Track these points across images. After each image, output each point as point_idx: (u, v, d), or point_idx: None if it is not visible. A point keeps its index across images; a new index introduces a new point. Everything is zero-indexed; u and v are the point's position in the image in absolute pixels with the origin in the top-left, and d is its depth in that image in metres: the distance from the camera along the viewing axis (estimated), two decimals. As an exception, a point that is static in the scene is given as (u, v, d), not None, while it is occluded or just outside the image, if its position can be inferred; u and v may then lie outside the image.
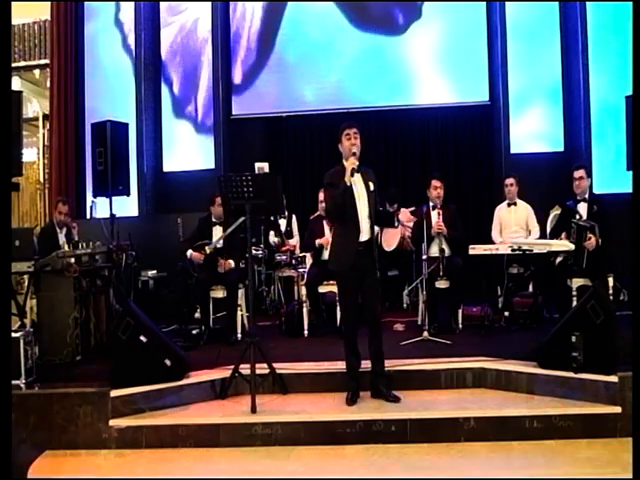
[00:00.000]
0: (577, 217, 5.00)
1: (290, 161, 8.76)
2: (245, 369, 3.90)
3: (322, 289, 5.39)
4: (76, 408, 3.71)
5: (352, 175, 3.72)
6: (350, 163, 3.75)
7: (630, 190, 4.41)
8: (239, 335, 5.26)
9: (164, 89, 8.43)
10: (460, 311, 5.31)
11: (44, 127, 9.81)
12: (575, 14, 7.44)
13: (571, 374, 3.75)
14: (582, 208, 5.11)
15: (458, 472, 3.20)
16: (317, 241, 5.49)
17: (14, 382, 3.83)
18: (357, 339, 3.90)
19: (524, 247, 4.96)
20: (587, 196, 5.15)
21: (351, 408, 3.76)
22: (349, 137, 3.86)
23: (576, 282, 5.00)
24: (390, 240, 4.46)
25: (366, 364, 3.95)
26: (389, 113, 8.47)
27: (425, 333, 4.84)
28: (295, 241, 6.71)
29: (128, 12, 8.08)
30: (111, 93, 8.08)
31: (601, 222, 4.91)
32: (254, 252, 6.02)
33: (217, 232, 5.45)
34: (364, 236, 3.81)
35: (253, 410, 3.71)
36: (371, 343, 3.88)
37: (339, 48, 8.41)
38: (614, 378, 3.62)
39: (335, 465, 3.33)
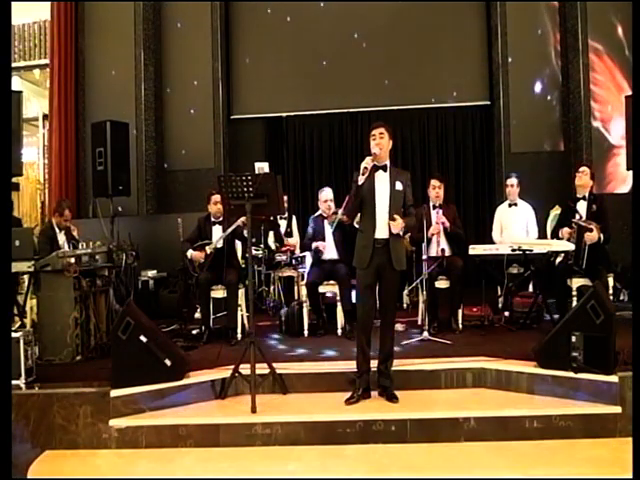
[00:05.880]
0: (577, 217, 5.00)
1: (290, 161, 8.77)
2: (245, 369, 3.90)
3: (322, 289, 5.39)
4: (76, 408, 3.70)
5: (363, 174, 3.74)
6: (364, 163, 3.77)
7: (630, 190, 4.42)
8: (239, 335, 5.26)
9: (164, 89, 8.43)
10: (460, 311, 5.30)
11: (44, 127, 9.81)
12: (575, 14, 7.45)
13: (571, 374, 3.74)
14: (582, 206, 5.11)
15: (458, 472, 3.20)
16: (314, 244, 5.48)
17: (14, 382, 3.83)
18: (370, 339, 3.88)
19: (524, 247, 4.96)
20: (587, 195, 5.15)
21: (351, 408, 3.75)
22: (374, 138, 3.88)
23: (576, 282, 4.99)
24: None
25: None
26: (389, 113, 8.48)
27: (425, 333, 4.84)
28: (295, 241, 6.72)
29: (128, 12, 8.07)
30: (111, 93, 8.09)
31: (601, 221, 4.91)
32: (254, 252, 6.02)
33: (217, 231, 5.45)
34: (380, 233, 3.81)
35: (253, 410, 3.70)
36: (382, 342, 3.90)
37: (340, 48, 8.41)
38: (614, 378, 3.62)
39: (335, 465, 3.33)
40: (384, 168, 3.89)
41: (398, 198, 3.88)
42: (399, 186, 3.89)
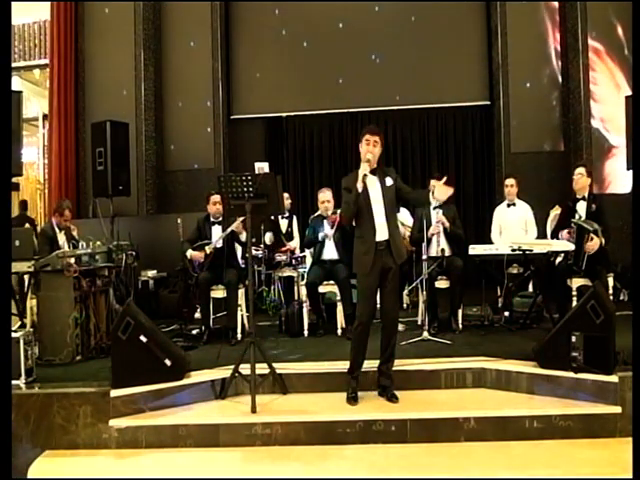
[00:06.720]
0: (577, 217, 5.00)
1: (290, 161, 8.78)
2: (245, 369, 3.90)
3: (322, 289, 5.39)
4: (76, 408, 3.70)
5: (362, 182, 3.76)
6: (362, 169, 3.79)
7: (630, 190, 4.41)
8: (239, 335, 5.26)
9: (164, 89, 8.43)
10: (460, 311, 5.30)
11: (44, 127, 9.82)
12: (575, 14, 7.45)
13: (571, 374, 3.74)
14: (581, 207, 5.11)
15: (458, 472, 3.20)
16: (320, 234, 5.48)
17: (14, 382, 3.83)
18: (367, 341, 3.89)
19: (524, 247, 4.95)
20: (586, 195, 5.14)
21: (351, 408, 3.75)
22: (368, 143, 3.88)
23: (576, 282, 4.99)
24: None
25: (366, 363, 3.95)
26: (389, 113, 8.49)
27: (425, 333, 4.84)
28: (296, 242, 6.71)
29: (128, 12, 8.07)
30: (111, 93, 8.09)
31: (600, 221, 4.90)
32: (254, 252, 6.02)
33: (216, 231, 5.45)
34: (380, 236, 3.82)
35: (253, 410, 3.70)
36: (385, 343, 3.89)
37: (339, 48, 8.42)
38: (614, 378, 3.62)
39: (335, 465, 3.33)
40: (373, 172, 3.89)
41: (390, 193, 3.90)
42: (389, 182, 3.91)
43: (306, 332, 5.36)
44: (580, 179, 5.12)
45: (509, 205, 5.86)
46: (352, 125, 8.63)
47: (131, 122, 7.45)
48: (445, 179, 3.87)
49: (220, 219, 5.50)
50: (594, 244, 4.75)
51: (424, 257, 4.96)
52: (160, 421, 3.71)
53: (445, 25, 8.27)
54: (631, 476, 2.78)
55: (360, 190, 3.77)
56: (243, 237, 5.28)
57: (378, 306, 4.16)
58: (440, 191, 3.86)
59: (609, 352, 3.70)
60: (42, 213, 10.05)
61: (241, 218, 5.05)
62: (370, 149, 3.86)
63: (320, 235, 5.47)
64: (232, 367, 4.01)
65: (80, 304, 4.72)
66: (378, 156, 3.92)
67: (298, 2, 8.47)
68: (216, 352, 4.42)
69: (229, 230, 5.16)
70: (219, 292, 5.37)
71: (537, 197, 6.22)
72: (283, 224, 6.79)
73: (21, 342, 3.94)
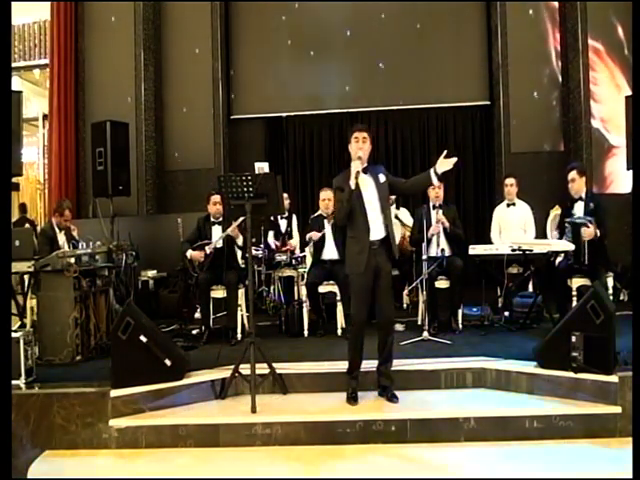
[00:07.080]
0: (572, 217, 5.01)
1: (290, 161, 8.78)
2: (245, 369, 3.90)
3: (322, 289, 5.39)
4: (76, 408, 3.70)
5: (356, 178, 3.75)
6: (354, 167, 3.77)
7: (630, 190, 4.40)
8: (239, 335, 5.26)
9: (164, 89, 8.43)
10: (460, 311, 5.30)
11: (44, 127, 9.82)
12: (575, 14, 7.45)
13: (571, 374, 3.74)
14: (579, 207, 5.11)
15: (458, 472, 3.20)
16: (307, 235, 5.49)
17: (14, 382, 3.83)
18: (364, 338, 3.89)
19: (524, 247, 4.96)
20: (584, 195, 5.14)
21: (351, 408, 3.75)
22: (357, 140, 3.88)
23: (576, 282, 4.99)
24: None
25: (366, 363, 3.95)
26: (389, 114, 8.49)
27: (425, 333, 4.84)
28: (295, 241, 6.71)
29: (128, 12, 8.07)
30: (111, 93, 8.09)
31: (599, 219, 4.90)
32: (254, 252, 6.02)
33: (216, 231, 5.45)
34: (375, 235, 3.82)
35: (253, 410, 3.71)
36: (382, 343, 3.88)
37: (339, 48, 8.42)
38: (614, 378, 3.62)
39: (335, 465, 3.33)
40: (364, 170, 3.89)
41: (384, 189, 3.91)
42: (382, 178, 3.92)
43: (306, 332, 5.37)
44: (574, 184, 5.11)
45: (509, 205, 5.86)
46: (352, 125, 8.60)
47: (131, 122, 7.45)
48: (445, 152, 3.86)
49: (220, 219, 5.50)
50: (590, 231, 4.77)
51: (424, 257, 4.96)
52: (160, 421, 3.71)
53: (446, 26, 8.27)
54: (631, 476, 2.78)
55: (354, 187, 3.75)
56: (240, 241, 5.28)
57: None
58: (442, 164, 3.86)
59: (609, 352, 3.70)
60: (42, 213, 10.05)
61: (236, 222, 5.06)
62: (360, 146, 3.86)
63: (307, 236, 5.49)
64: (232, 367, 4.01)
65: (80, 304, 4.72)
66: (368, 153, 3.92)
67: (302, 3, 8.47)
68: (216, 352, 4.42)
69: (224, 235, 5.16)
70: (219, 292, 5.37)
71: (537, 197, 6.21)
72: (283, 224, 6.79)
73: (21, 342, 3.94)
